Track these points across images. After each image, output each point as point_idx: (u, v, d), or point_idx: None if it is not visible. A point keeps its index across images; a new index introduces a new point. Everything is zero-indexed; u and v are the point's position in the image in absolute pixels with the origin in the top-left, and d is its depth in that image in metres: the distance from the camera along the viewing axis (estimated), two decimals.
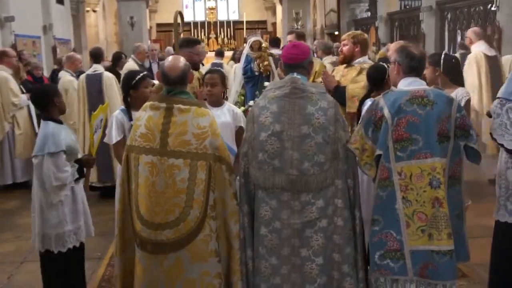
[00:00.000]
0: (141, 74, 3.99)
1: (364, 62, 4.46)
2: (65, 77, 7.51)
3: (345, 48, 4.47)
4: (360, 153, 3.07)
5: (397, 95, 3.05)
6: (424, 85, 3.12)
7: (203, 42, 5.31)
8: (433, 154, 2.95)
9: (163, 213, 2.95)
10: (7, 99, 7.14)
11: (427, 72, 4.21)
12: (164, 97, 3.11)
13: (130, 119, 3.81)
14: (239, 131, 4.03)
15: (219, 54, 10.57)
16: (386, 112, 3.00)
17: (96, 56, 7.15)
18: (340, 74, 4.54)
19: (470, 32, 7.24)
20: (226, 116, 4.05)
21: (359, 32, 4.81)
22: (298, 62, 3.12)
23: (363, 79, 4.15)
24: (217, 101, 4.09)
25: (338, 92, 4.20)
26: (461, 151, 3.06)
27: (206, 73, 4.21)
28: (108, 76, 6.85)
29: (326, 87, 3.66)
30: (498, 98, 3.30)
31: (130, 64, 8.37)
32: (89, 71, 6.94)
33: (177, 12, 4.37)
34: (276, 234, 3.01)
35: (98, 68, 6.91)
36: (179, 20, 4.55)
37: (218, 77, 4.07)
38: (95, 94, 6.72)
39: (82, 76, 6.93)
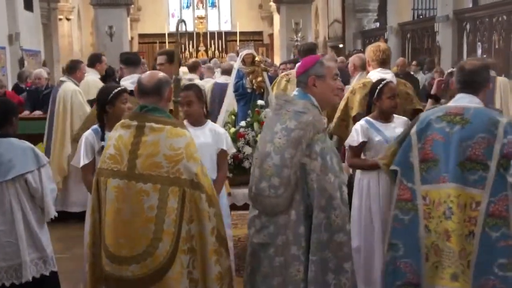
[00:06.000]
0: (118, 88, 4.06)
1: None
2: None
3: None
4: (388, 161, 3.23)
5: (436, 110, 3.13)
6: (473, 103, 3.05)
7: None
8: (450, 179, 2.93)
9: (129, 245, 2.91)
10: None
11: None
12: (136, 114, 3.11)
13: (102, 139, 3.83)
14: (220, 154, 4.06)
15: (193, 68, 9.44)
16: (414, 128, 3.08)
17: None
18: None
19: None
20: (206, 136, 4.03)
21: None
22: (296, 78, 3.28)
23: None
24: (198, 121, 4.08)
25: None
26: (508, 186, 2.93)
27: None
28: None
29: None
30: None
31: None
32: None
33: (179, 21, 4.45)
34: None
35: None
36: (182, 29, 4.58)
37: (193, 94, 4.03)
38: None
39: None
